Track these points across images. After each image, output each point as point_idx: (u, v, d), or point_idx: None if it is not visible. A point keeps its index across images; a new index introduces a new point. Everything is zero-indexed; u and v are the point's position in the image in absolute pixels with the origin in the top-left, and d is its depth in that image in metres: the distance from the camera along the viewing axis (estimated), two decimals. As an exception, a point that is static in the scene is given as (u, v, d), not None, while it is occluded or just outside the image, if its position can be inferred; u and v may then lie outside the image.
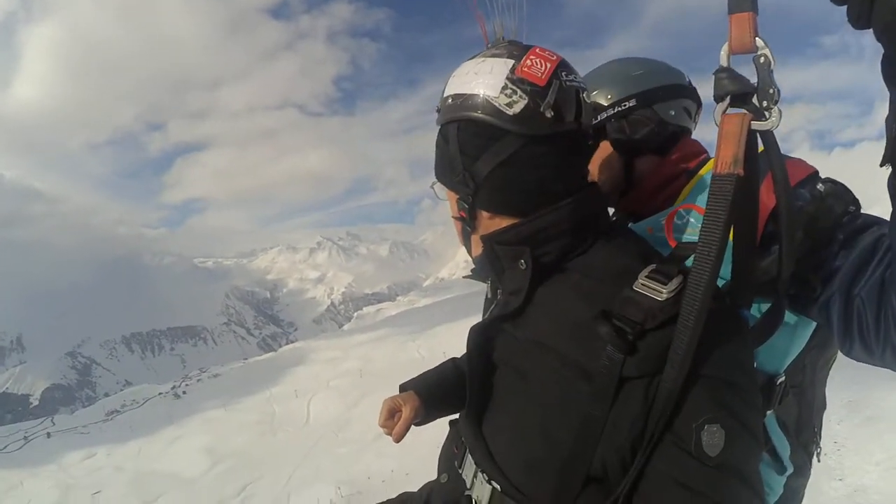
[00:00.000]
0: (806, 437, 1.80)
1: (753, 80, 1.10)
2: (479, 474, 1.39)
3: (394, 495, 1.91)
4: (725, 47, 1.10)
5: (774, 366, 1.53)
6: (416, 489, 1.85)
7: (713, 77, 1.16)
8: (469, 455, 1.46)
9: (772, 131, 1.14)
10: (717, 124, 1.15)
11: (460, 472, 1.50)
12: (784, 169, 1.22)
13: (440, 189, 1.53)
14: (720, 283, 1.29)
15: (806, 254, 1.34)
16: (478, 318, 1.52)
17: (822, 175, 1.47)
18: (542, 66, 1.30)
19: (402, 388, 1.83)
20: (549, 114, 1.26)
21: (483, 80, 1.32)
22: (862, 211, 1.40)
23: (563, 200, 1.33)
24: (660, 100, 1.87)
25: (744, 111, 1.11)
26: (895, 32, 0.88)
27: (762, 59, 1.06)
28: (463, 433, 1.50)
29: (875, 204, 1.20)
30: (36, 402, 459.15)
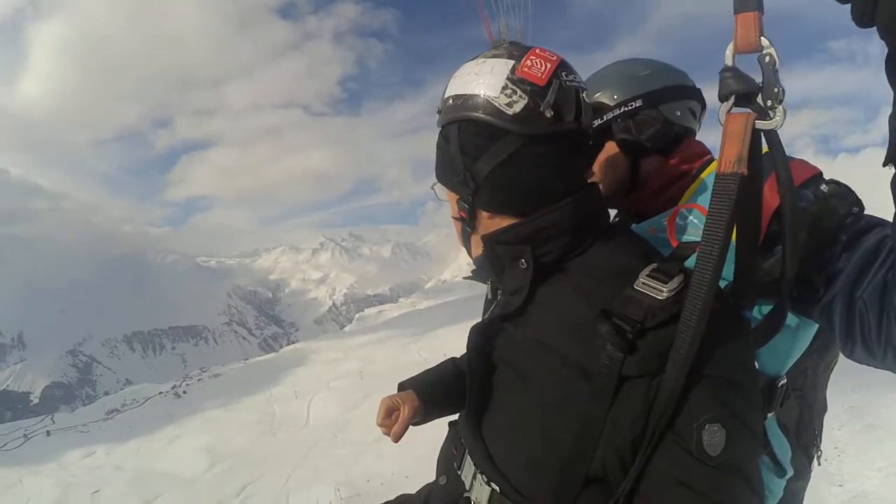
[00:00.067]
0: (806, 440, 1.80)
1: (759, 79, 1.11)
2: (479, 476, 1.39)
3: (393, 497, 1.90)
4: (730, 46, 1.11)
5: (776, 368, 1.54)
6: (415, 491, 1.85)
7: (718, 76, 1.17)
8: (468, 456, 1.45)
9: (776, 131, 1.15)
10: (721, 123, 1.16)
11: (459, 473, 1.50)
12: (788, 169, 1.22)
13: (441, 190, 1.55)
14: (722, 283, 1.30)
15: (809, 255, 1.35)
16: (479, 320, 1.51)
17: (841, 182, 1.47)
18: (542, 66, 1.31)
19: (401, 386, 1.84)
20: (548, 113, 1.28)
21: (483, 80, 1.34)
22: (865, 213, 1.40)
23: (564, 200, 1.34)
24: (666, 100, 1.87)
25: (748, 110, 1.12)
26: (895, 29, 0.88)
27: (767, 59, 1.07)
28: (462, 434, 1.51)
29: (880, 210, 1.19)
30: (36, 400, 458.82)
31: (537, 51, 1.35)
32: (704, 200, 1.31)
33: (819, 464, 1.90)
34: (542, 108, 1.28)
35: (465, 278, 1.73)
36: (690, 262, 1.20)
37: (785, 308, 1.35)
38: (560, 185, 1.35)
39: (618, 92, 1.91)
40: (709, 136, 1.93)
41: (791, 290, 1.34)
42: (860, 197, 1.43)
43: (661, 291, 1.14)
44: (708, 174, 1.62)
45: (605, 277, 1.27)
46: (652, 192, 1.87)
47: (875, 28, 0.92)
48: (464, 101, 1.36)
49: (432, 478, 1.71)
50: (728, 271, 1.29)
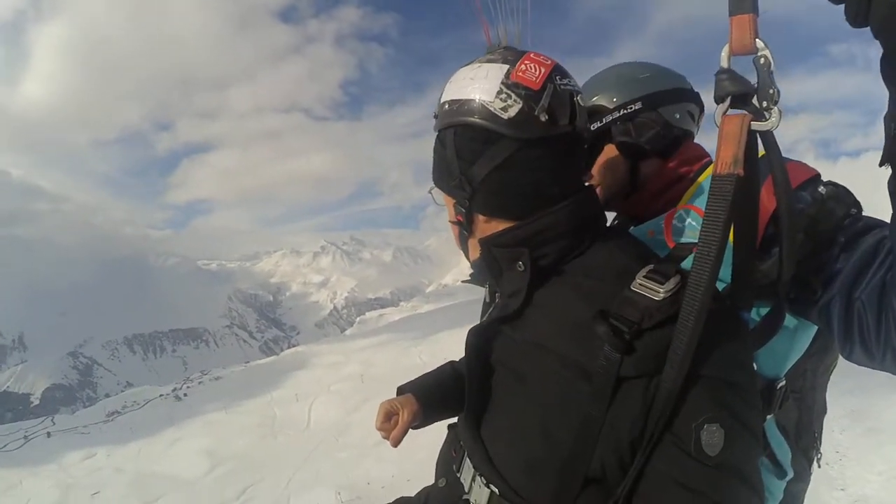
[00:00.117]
0: (806, 443, 1.81)
1: (754, 81, 1.13)
2: (478, 478, 1.41)
3: (392, 500, 1.90)
4: (726, 48, 1.13)
5: (775, 370, 1.56)
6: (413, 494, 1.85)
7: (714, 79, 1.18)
8: (467, 458, 1.47)
9: (772, 132, 1.16)
10: (717, 125, 1.17)
11: (458, 475, 1.52)
12: (784, 170, 1.24)
13: (438, 194, 1.57)
14: (720, 286, 1.32)
15: (807, 256, 1.37)
16: (479, 324, 1.52)
17: (839, 184, 1.47)
18: (536, 70, 1.34)
19: (400, 390, 1.86)
20: (543, 117, 1.30)
21: (479, 85, 1.36)
22: (864, 214, 1.40)
23: (560, 203, 1.36)
24: (665, 103, 1.90)
25: (744, 112, 1.14)
26: (892, 28, 0.89)
27: (762, 60, 1.09)
28: (461, 436, 1.53)
29: (882, 212, 1.20)
30: (37, 402, 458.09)
31: (532, 55, 1.38)
32: (702, 202, 1.31)
33: (819, 466, 1.90)
34: (536, 112, 1.30)
35: (463, 282, 1.73)
36: (687, 264, 1.20)
37: (782, 309, 1.37)
38: (556, 189, 1.37)
39: (617, 95, 1.94)
40: (707, 139, 1.94)
41: (789, 292, 1.36)
42: (862, 200, 1.43)
43: (658, 292, 1.15)
44: (706, 177, 1.63)
45: (604, 278, 1.29)
46: (651, 195, 1.88)
47: (869, 28, 0.93)
48: (459, 105, 1.39)
49: (432, 481, 1.71)
50: (725, 273, 1.29)
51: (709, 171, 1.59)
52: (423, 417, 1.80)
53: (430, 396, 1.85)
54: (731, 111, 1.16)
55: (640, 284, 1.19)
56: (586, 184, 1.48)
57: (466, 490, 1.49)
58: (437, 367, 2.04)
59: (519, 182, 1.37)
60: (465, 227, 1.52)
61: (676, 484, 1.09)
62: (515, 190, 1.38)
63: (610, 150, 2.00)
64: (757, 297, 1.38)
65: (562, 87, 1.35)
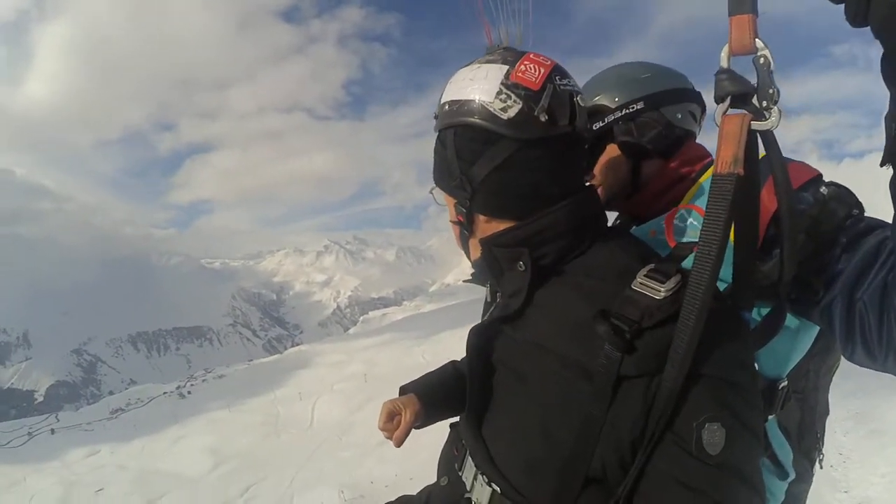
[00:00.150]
0: (808, 444, 1.81)
1: (755, 81, 1.12)
2: (479, 476, 1.40)
3: (394, 499, 1.91)
4: (726, 49, 1.12)
5: (776, 370, 1.55)
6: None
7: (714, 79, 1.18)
8: (469, 457, 1.46)
9: (772, 131, 1.15)
10: (717, 124, 1.17)
11: (460, 474, 1.51)
12: (785, 170, 1.23)
13: (439, 194, 1.56)
14: (721, 286, 1.32)
15: (808, 257, 1.36)
16: (482, 324, 1.52)
17: (841, 184, 1.47)
18: (536, 70, 1.33)
19: (402, 390, 1.85)
20: (543, 118, 1.29)
21: (478, 85, 1.35)
22: (865, 214, 1.40)
23: (560, 203, 1.35)
24: (667, 103, 1.89)
25: (744, 112, 1.13)
26: (892, 28, 0.88)
27: (762, 60, 1.08)
28: (463, 435, 1.52)
29: (884, 214, 1.20)
30: (41, 399, 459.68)
31: (531, 56, 1.37)
32: (703, 202, 1.30)
33: (821, 467, 1.90)
34: (536, 113, 1.29)
35: (464, 281, 1.73)
36: (688, 263, 1.20)
37: (783, 309, 1.36)
38: (556, 189, 1.37)
39: (619, 94, 1.93)
40: (709, 139, 1.93)
41: (790, 292, 1.35)
42: (865, 201, 1.43)
43: (659, 291, 1.14)
44: (707, 177, 1.63)
45: (605, 277, 1.28)
46: (653, 195, 1.88)
47: (869, 28, 0.92)
48: (459, 106, 1.38)
49: (435, 480, 1.71)
50: (727, 273, 1.30)
51: (710, 171, 1.60)
52: (426, 417, 1.80)
53: (432, 396, 1.84)
54: (731, 111, 1.15)
55: (640, 283, 1.18)
56: (587, 184, 1.48)
57: (468, 489, 1.48)
58: (439, 367, 2.03)
59: (519, 182, 1.36)
60: (465, 227, 1.51)
61: (677, 483, 1.08)
62: (515, 190, 1.37)
63: (612, 150, 1.99)
64: (758, 297, 1.37)
65: (561, 87, 1.34)
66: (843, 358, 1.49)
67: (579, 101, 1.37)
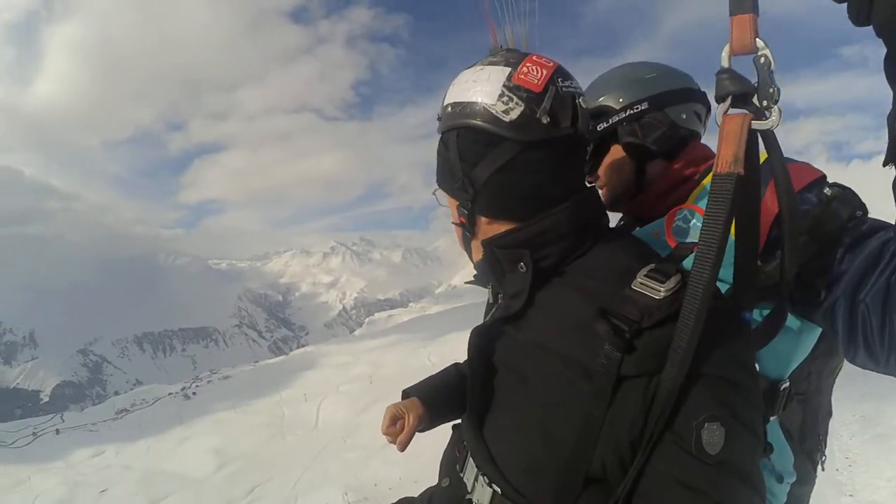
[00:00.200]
0: (811, 446, 1.79)
1: (757, 81, 1.11)
2: (481, 477, 1.40)
3: (396, 500, 1.91)
4: (726, 48, 1.11)
5: (778, 371, 1.54)
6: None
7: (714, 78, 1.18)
8: (470, 458, 1.46)
9: (773, 131, 1.15)
10: (718, 124, 1.16)
11: (462, 475, 1.51)
12: (785, 169, 1.23)
13: (442, 195, 1.57)
14: (723, 287, 1.33)
15: (811, 257, 1.35)
16: (487, 325, 1.52)
17: (845, 185, 1.46)
18: (538, 72, 1.33)
19: (405, 393, 1.84)
20: (545, 120, 1.29)
21: (481, 87, 1.35)
22: (869, 216, 1.39)
23: (562, 204, 1.35)
24: (672, 103, 1.88)
25: (745, 111, 1.13)
26: (893, 27, 0.88)
27: (762, 60, 1.07)
28: (465, 436, 1.52)
29: (893, 216, 1.19)
30: (46, 399, 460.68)
31: (534, 57, 1.37)
32: (705, 203, 1.31)
33: (823, 469, 1.89)
34: (538, 115, 1.29)
35: (466, 283, 1.74)
36: (688, 263, 1.18)
37: (784, 309, 1.36)
38: (558, 190, 1.37)
39: (623, 95, 1.92)
40: (714, 139, 1.94)
41: (791, 292, 1.34)
42: (874, 203, 1.43)
43: (659, 291, 1.14)
44: (711, 178, 1.63)
45: (606, 278, 1.28)
46: (657, 196, 1.87)
47: (871, 28, 0.92)
48: (462, 108, 1.38)
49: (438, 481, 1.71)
50: (729, 274, 1.30)
51: None
52: (429, 420, 1.78)
53: (435, 399, 1.83)
54: (732, 110, 1.14)
55: (640, 283, 1.18)
56: (590, 185, 1.48)
57: (469, 490, 1.48)
58: (442, 370, 2.02)
59: (521, 184, 1.36)
60: (468, 229, 1.51)
61: (677, 483, 1.07)
62: (517, 192, 1.37)
63: (616, 151, 1.99)
64: (761, 298, 1.37)
65: (564, 89, 1.33)
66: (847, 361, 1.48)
67: (581, 103, 1.36)
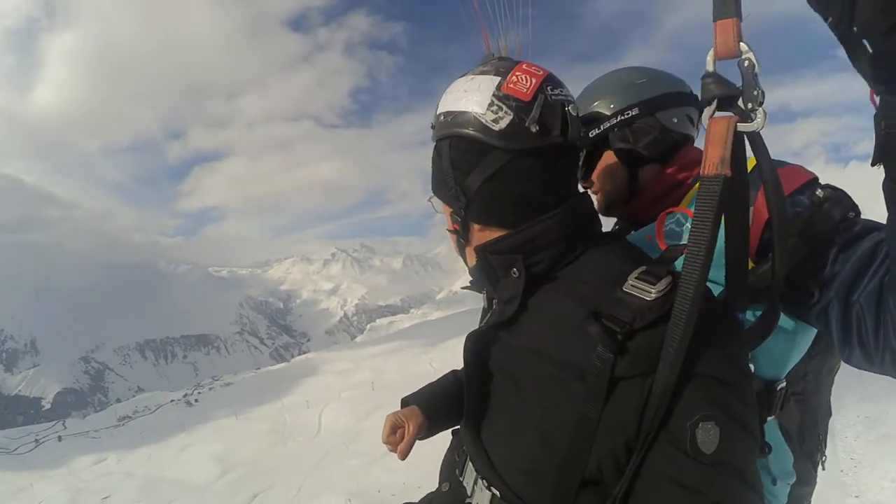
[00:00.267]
0: (810, 446, 1.79)
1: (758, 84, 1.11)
2: (479, 481, 1.41)
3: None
4: (711, 53, 1.12)
5: (774, 372, 1.55)
6: (417, 500, 1.86)
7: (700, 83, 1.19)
8: (469, 462, 1.47)
9: (759, 133, 1.16)
10: (704, 127, 1.18)
11: (461, 479, 1.52)
12: (773, 169, 1.24)
13: (437, 202, 1.59)
14: (717, 289, 1.34)
15: (804, 259, 1.36)
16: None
17: (837, 187, 1.47)
18: (527, 81, 1.34)
19: (404, 402, 1.85)
20: (534, 128, 1.30)
21: (471, 97, 1.37)
22: (862, 217, 1.40)
23: (553, 210, 1.36)
24: (662, 107, 1.89)
25: (730, 114, 1.14)
26: (876, 28, 0.87)
27: (746, 63, 1.07)
28: (463, 440, 1.53)
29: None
30: (48, 406, 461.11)
31: (524, 66, 1.38)
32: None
33: (824, 469, 1.89)
34: (527, 124, 1.31)
35: (462, 288, 1.74)
36: (680, 265, 1.18)
37: (776, 309, 1.36)
38: (549, 198, 1.39)
39: (614, 101, 1.94)
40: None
41: (783, 292, 1.34)
42: (874, 203, 1.43)
43: (650, 293, 1.14)
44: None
45: (597, 283, 1.29)
46: (651, 201, 1.88)
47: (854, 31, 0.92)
48: (454, 117, 1.40)
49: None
50: (721, 276, 1.32)
51: None
52: (429, 428, 1.80)
53: (434, 407, 1.84)
54: (717, 114, 1.17)
55: (631, 286, 1.18)
56: (584, 191, 1.49)
57: (469, 494, 1.48)
58: (440, 377, 2.03)
59: (512, 192, 1.38)
60: (461, 236, 1.53)
61: (672, 483, 1.06)
62: (508, 199, 1.39)
63: (609, 157, 2.00)
64: (754, 300, 1.38)
65: (553, 97, 1.35)
66: None
67: (571, 111, 1.37)
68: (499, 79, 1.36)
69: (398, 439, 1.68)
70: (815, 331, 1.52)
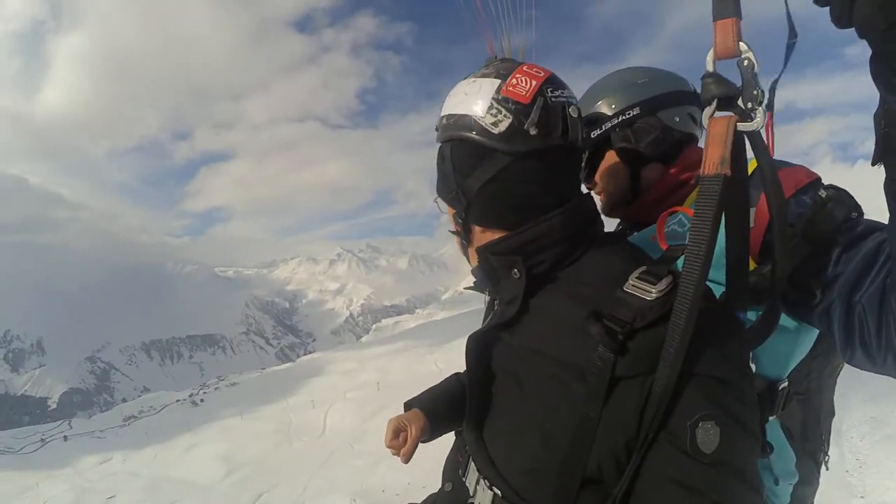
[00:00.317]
0: (813, 446, 1.81)
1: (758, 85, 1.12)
2: (482, 481, 1.42)
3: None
4: (711, 53, 1.13)
5: (776, 371, 1.55)
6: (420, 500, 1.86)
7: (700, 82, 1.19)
8: (472, 462, 1.48)
9: (759, 132, 1.17)
10: (704, 127, 1.19)
11: (464, 479, 1.53)
12: (773, 168, 1.24)
13: (442, 204, 1.60)
14: (719, 290, 1.34)
15: (806, 259, 1.36)
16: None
17: (844, 187, 1.46)
18: (526, 84, 1.35)
19: (407, 405, 1.87)
20: (533, 131, 1.32)
21: (472, 100, 1.40)
22: (865, 217, 1.40)
23: (554, 211, 1.37)
24: (664, 107, 1.90)
25: (730, 113, 1.14)
26: (875, 26, 0.89)
27: (745, 63, 1.09)
28: (465, 440, 1.54)
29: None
30: (54, 406, 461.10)
31: (524, 68, 1.39)
32: None
33: (828, 469, 1.89)
34: (526, 127, 1.32)
35: (466, 288, 1.75)
36: (681, 265, 1.19)
37: (777, 308, 1.35)
38: (550, 199, 1.40)
39: (616, 101, 1.94)
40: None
41: (785, 292, 1.34)
42: (881, 202, 1.43)
43: (650, 292, 1.16)
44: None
45: (598, 283, 1.29)
46: (654, 201, 1.89)
47: (854, 29, 0.93)
48: (455, 120, 1.42)
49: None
50: (721, 276, 1.32)
51: None
52: (432, 431, 1.80)
53: (436, 410, 1.85)
54: (717, 113, 1.17)
55: (632, 285, 1.20)
56: (587, 191, 1.50)
57: (471, 494, 1.50)
58: (443, 380, 2.05)
59: (512, 194, 1.40)
60: (463, 237, 1.56)
61: (672, 482, 1.08)
62: (508, 202, 1.41)
63: (611, 157, 2.01)
64: (755, 300, 1.38)
65: (553, 99, 1.36)
66: None
67: (572, 113, 1.38)
68: (499, 82, 1.37)
69: (401, 443, 1.69)
70: (817, 331, 1.52)
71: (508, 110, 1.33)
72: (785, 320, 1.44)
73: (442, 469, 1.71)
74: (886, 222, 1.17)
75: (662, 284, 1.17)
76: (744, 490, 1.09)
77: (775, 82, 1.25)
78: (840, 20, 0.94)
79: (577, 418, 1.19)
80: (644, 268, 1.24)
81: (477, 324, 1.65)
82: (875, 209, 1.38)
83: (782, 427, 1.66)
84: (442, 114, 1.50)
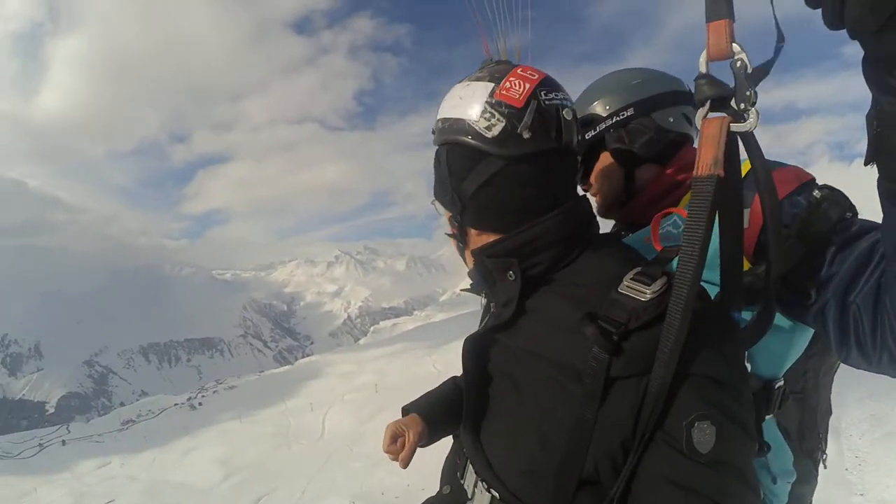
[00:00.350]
0: (810, 444, 1.80)
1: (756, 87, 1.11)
2: (479, 483, 1.41)
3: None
4: (704, 54, 1.12)
5: (772, 371, 1.55)
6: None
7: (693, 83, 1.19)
8: (470, 464, 1.48)
9: (752, 133, 1.16)
10: (698, 128, 1.19)
11: (462, 482, 1.52)
12: (766, 169, 1.24)
13: (439, 206, 1.60)
14: (714, 290, 1.34)
15: (801, 259, 1.36)
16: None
17: (841, 186, 1.46)
18: (520, 87, 1.35)
19: (405, 410, 1.86)
20: (526, 135, 1.32)
21: (466, 104, 1.40)
22: (859, 217, 1.40)
23: (549, 214, 1.37)
24: (658, 107, 1.90)
25: (723, 114, 1.14)
26: (866, 27, 0.87)
27: (738, 64, 1.07)
28: (463, 442, 1.53)
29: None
30: (52, 410, 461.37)
31: (518, 71, 1.39)
32: None
33: (825, 467, 1.89)
34: (519, 130, 1.32)
35: (462, 290, 1.75)
36: (676, 266, 1.18)
37: (772, 308, 1.35)
38: (545, 202, 1.39)
39: (610, 102, 1.94)
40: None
41: (780, 292, 1.35)
42: (874, 202, 1.43)
43: (645, 293, 1.15)
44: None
45: (593, 285, 1.29)
46: (649, 202, 1.88)
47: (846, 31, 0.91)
48: (450, 124, 1.43)
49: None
50: (716, 276, 1.32)
51: None
52: (430, 435, 1.80)
53: (434, 414, 1.84)
54: (711, 114, 1.18)
55: (626, 286, 1.20)
56: (583, 193, 1.49)
57: (469, 496, 1.49)
58: (441, 384, 2.04)
59: (506, 197, 1.39)
60: (459, 240, 1.56)
61: (668, 482, 1.07)
62: (503, 205, 1.41)
63: (605, 158, 2.00)
64: (750, 300, 1.37)
65: (546, 102, 1.36)
66: None
67: (566, 115, 1.38)
68: (492, 85, 1.37)
69: (399, 448, 1.68)
70: (812, 330, 1.51)
71: (502, 114, 1.33)
72: (780, 320, 1.44)
73: (440, 471, 1.70)
74: (881, 222, 1.18)
75: (657, 285, 1.16)
76: (741, 489, 1.08)
77: (757, 82, 1.25)
78: (831, 22, 0.92)
79: (573, 419, 1.19)
80: (638, 269, 1.24)
81: (475, 326, 1.65)
82: (874, 208, 1.38)
83: (779, 426, 1.65)
84: (438, 117, 1.50)
